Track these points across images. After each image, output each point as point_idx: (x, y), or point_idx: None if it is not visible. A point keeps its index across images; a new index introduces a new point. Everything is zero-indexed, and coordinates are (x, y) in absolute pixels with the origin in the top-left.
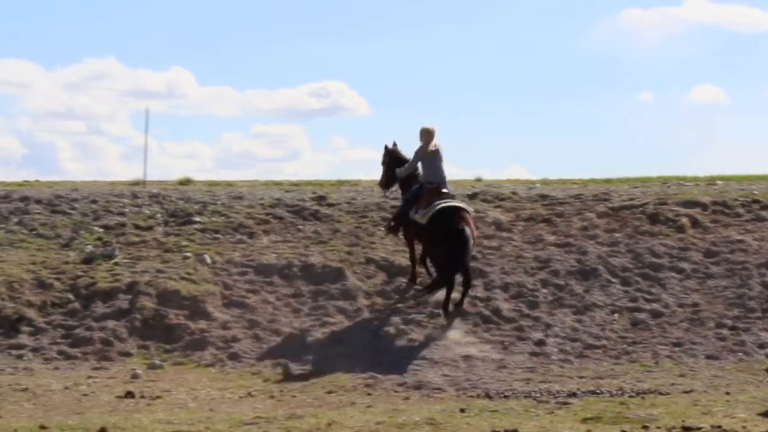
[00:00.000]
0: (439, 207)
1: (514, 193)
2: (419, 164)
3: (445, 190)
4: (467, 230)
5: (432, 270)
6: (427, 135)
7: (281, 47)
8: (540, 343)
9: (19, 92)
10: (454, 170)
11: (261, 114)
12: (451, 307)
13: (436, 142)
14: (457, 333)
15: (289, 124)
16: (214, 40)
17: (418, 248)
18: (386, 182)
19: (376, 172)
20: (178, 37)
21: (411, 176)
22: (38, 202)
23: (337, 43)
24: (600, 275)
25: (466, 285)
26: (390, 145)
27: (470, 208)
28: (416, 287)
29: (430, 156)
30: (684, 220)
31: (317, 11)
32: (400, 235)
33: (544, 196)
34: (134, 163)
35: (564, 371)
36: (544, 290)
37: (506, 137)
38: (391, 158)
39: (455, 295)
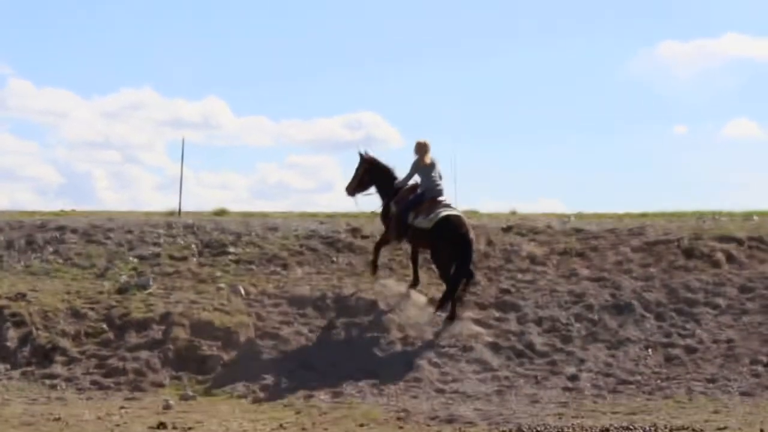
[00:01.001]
0: (444, 214)
1: (549, 227)
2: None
3: (443, 199)
4: (471, 235)
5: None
6: (422, 148)
7: (316, 78)
8: (573, 377)
9: (57, 121)
10: (488, 203)
11: (295, 144)
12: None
13: (432, 155)
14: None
15: (323, 155)
16: (250, 70)
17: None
18: (356, 188)
19: None
20: (213, 68)
21: (389, 183)
22: (74, 231)
23: (372, 75)
24: (634, 310)
25: (468, 282)
26: (363, 153)
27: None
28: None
29: (426, 168)
30: (719, 255)
31: (351, 43)
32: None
33: (578, 230)
34: (169, 192)
35: (597, 406)
36: (578, 324)
37: (541, 170)
38: (372, 166)
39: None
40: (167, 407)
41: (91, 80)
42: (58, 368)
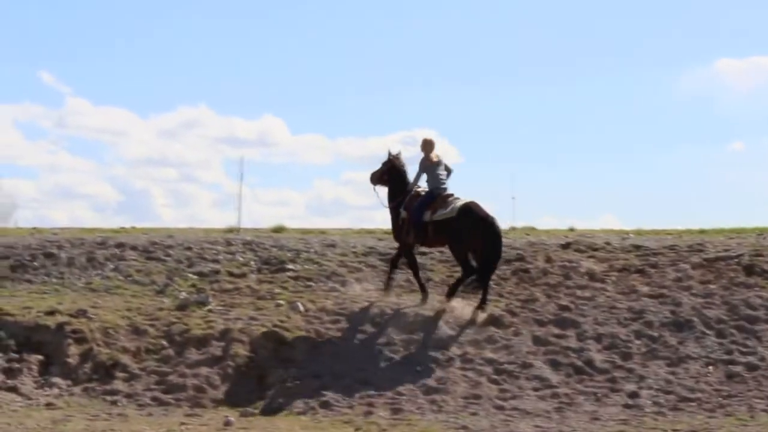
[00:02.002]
0: (464, 201)
1: (608, 243)
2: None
3: (451, 194)
4: (495, 219)
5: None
6: (428, 146)
7: (372, 95)
8: (633, 395)
9: (115, 140)
10: (546, 220)
11: (351, 161)
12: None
13: (437, 152)
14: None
15: None
16: (305, 88)
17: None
18: (378, 181)
19: None
20: (269, 86)
21: (401, 185)
22: (134, 248)
23: (428, 92)
24: (694, 327)
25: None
26: (390, 153)
27: None
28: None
29: (433, 165)
30: None
31: (407, 59)
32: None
33: (637, 247)
34: (227, 209)
35: (658, 424)
36: (638, 341)
37: (599, 187)
38: (392, 167)
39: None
40: (227, 424)
41: (148, 99)
42: (118, 384)
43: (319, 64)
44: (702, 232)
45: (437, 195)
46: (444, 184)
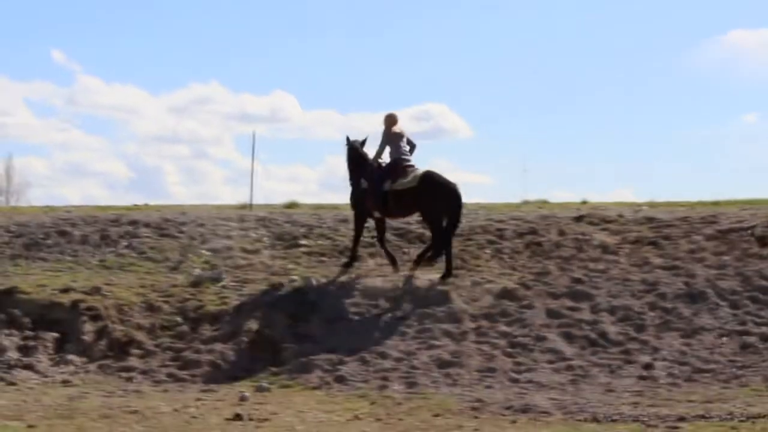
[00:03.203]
0: (425, 170)
1: (620, 216)
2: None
3: (413, 165)
4: (457, 187)
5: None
6: (390, 119)
7: (383, 70)
8: (648, 366)
9: (126, 117)
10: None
11: (364, 136)
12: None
13: (400, 126)
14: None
15: None
16: (316, 63)
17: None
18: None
19: (481, 195)
20: (279, 62)
21: (361, 162)
22: (147, 225)
23: (439, 66)
24: (708, 298)
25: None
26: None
27: None
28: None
29: (394, 137)
30: None
31: (417, 35)
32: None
33: (650, 219)
34: (239, 186)
35: (673, 395)
36: (652, 313)
37: (611, 159)
38: (352, 150)
39: None
40: (243, 399)
41: (159, 76)
42: (134, 361)
43: (329, 39)
44: (715, 203)
45: (398, 165)
46: (406, 155)
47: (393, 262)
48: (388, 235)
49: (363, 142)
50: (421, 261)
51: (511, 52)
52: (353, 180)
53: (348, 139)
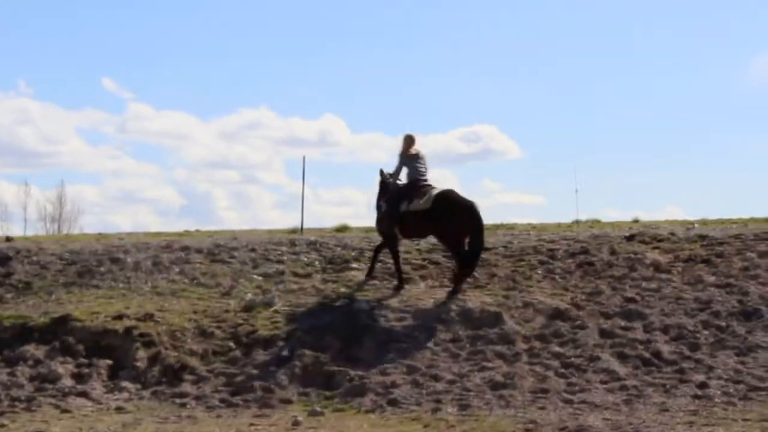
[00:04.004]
0: (438, 191)
1: (672, 234)
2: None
3: (430, 185)
4: (474, 204)
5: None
6: (408, 140)
7: (431, 92)
8: (702, 385)
9: (177, 143)
10: (610, 212)
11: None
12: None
13: (417, 147)
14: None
15: (440, 169)
16: (365, 87)
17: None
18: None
19: (533, 216)
20: (328, 85)
21: (384, 188)
22: (198, 251)
23: (488, 87)
24: (763, 316)
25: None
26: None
27: None
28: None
29: (411, 158)
30: None
31: (467, 57)
32: (396, 230)
33: (702, 237)
34: (289, 210)
35: (728, 414)
36: (705, 332)
37: (662, 178)
38: (382, 180)
39: None
40: (296, 423)
41: (208, 102)
42: (187, 387)
43: (377, 62)
44: None
45: (415, 186)
46: (423, 175)
47: (369, 272)
48: (438, 257)
49: (393, 174)
50: (458, 286)
51: (559, 73)
52: (378, 204)
53: (381, 172)
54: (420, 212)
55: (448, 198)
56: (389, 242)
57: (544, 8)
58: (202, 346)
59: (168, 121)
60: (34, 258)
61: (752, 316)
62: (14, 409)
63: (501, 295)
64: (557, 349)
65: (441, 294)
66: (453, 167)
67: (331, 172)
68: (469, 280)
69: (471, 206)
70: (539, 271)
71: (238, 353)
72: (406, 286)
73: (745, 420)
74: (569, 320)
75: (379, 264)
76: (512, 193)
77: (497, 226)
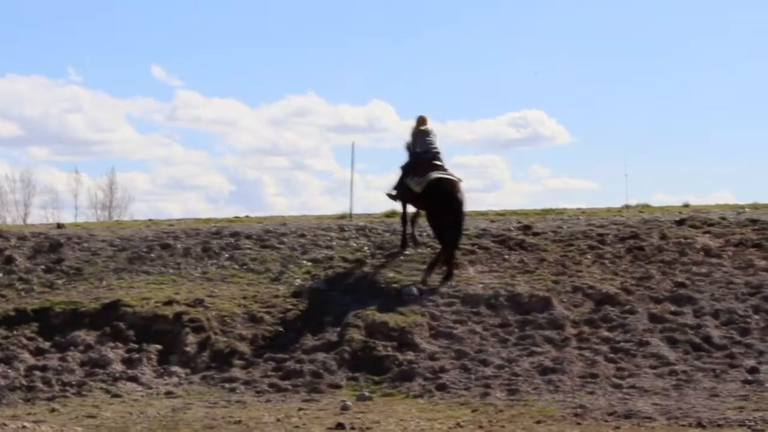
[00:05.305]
0: (434, 177)
1: (723, 218)
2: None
3: (438, 162)
4: (459, 197)
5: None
6: (420, 119)
7: (480, 78)
8: (753, 370)
9: (226, 130)
10: (660, 197)
11: (461, 145)
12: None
13: (428, 125)
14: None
15: (489, 155)
16: (413, 73)
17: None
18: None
19: (583, 201)
20: (376, 71)
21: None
22: (248, 237)
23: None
24: None
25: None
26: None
27: (461, 178)
28: (406, 253)
29: (421, 133)
30: None
31: (515, 42)
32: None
33: (754, 221)
34: (337, 196)
35: None
36: (756, 316)
37: (713, 162)
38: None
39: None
40: (345, 408)
41: (257, 88)
42: (236, 372)
43: (426, 47)
44: None
45: (424, 159)
46: (435, 148)
47: (404, 243)
48: (488, 242)
49: (408, 147)
50: (450, 269)
51: (608, 56)
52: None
53: (407, 144)
54: (414, 191)
55: (438, 188)
56: (403, 205)
57: None
58: (251, 332)
59: (216, 108)
60: (85, 244)
61: None
62: (65, 393)
63: (550, 279)
64: (606, 334)
65: (490, 279)
66: (502, 153)
67: (380, 158)
68: (517, 264)
69: (451, 200)
70: (589, 256)
71: (287, 338)
72: (455, 271)
73: None
74: (618, 305)
75: (429, 249)
76: (562, 178)
77: (546, 211)
